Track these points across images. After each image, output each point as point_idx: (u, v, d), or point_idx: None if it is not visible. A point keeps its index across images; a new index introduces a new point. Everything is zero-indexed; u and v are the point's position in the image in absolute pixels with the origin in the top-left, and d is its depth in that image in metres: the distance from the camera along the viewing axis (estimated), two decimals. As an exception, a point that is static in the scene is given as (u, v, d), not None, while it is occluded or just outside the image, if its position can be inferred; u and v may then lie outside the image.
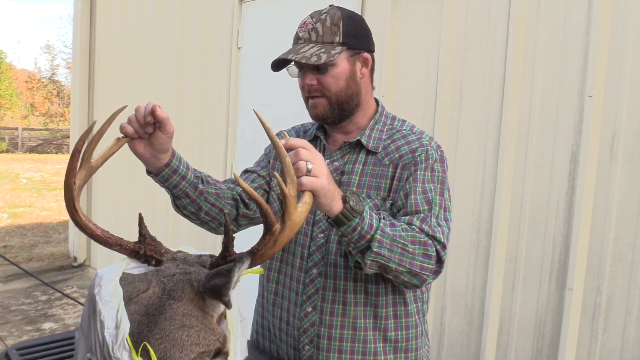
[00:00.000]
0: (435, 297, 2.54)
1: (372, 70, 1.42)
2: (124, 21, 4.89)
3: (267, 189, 1.48)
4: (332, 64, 1.32)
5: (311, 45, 1.32)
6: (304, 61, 1.28)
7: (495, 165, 2.34)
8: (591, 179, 2.07)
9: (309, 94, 1.37)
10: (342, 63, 1.34)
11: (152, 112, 1.15)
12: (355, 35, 1.36)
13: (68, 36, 31.06)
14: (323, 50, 1.30)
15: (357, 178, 1.37)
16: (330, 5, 1.38)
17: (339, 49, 1.32)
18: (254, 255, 0.99)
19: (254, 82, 3.58)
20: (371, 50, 1.41)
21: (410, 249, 1.19)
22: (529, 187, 2.25)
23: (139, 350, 0.85)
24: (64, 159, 16.56)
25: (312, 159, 1.08)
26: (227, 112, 3.73)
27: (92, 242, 5.38)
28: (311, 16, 1.36)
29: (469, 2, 2.44)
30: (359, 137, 1.39)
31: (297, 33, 1.37)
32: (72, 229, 5.65)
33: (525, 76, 2.26)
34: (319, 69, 1.32)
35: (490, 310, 2.34)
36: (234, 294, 0.90)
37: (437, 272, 1.25)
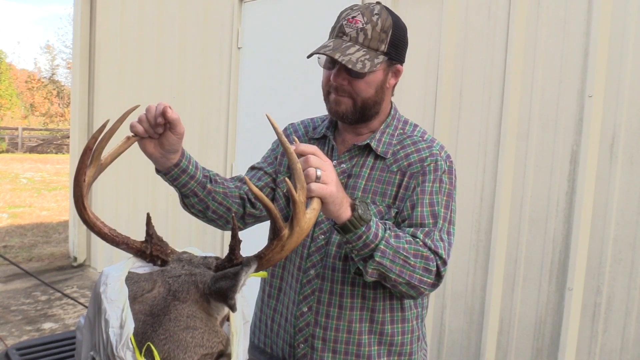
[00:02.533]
0: (435, 297, 2.55)
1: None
2: (124, 21, 4.89)
3: (273, 187, 1.48)
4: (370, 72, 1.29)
5: (357, 47, 1.27)
6: (349, 66, 1.25)
7: (495, 165, 2.35)
8: (591, 179, 2.07)
9: (335, 92, 1.34)
10: (378, 72, 1.32)
11: (163, 113, 1.15)
12: (398, 47, 1.34)
13: (68, 36, 31.05)
14: (367, 57, 1.27)
15: (364, 182, 1.36)
16: (378, 4, 1.34)
17: (381, 58, 1.30)
18: (261, 260, 0.99)
19: (254, 82, 3.58)
20: (403, 62, 1.39)
21: (412, 262, 1.19)
22: (529, 187, 2.25)
23: (143, 351, 0.85)
24: (64, 159, 16.55)
25: (322, 166, 1.08)
26: (227, 112, 3.74)
27: (92, 242, 5.41)
28: (362, 13, 1.29)
29: (469, 2, 2.44)
30: (368, 141, 1.38)
31: (342, 26, 1.30)
32: (72, 229, 5.64)
33: (525, 76, 2.26)
34: (355, 73, 1.28)
35: (490, 310, 2.34)
36: (238, 298, 0.90)
37: (435, 286, 1.25)
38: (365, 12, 1.30)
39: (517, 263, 2.28)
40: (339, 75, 1.31)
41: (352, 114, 1.35)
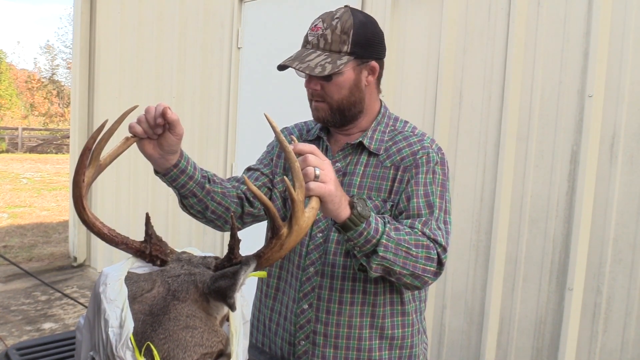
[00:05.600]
0: (435, 297, 2.55)
1: (379, 76, 1.43)
2: (124, 21, 4.89)
3: (270, 187, 1.49)
4: (336, 73, 1.32)
5: (318, 52, 1.32)
6: (307, 72, 1.29)
7: (495, 165, 2.35)
8: (591, 179, 2.07)
9: (312, 97, 1.39)
10: (348, 72, 1.34)
11: (163, 114, 1.15)
12: (364, 45, 1.35)
13: (68, 36, 31.09)
14: (329, 60, 1.30)
15: (359, 179, 1.38)
16: (345, 6, 1.38)
17: (345, 58, 1.32)
18: (260, 259, 0.99)
19: (254, 82, 3.58)
20: (380, 57, 1.41)
21: (414, 253, 1.21)
22: (529, 187, 2.25)
23: (142, 350, 0.85)
24: (64, 159, 16.56)
25: (321, 165, 1.09)
26: (227, 112, 3.74)
27: (92, 242, 5.41)
28: (323, 19, 1.35)
29: (469, 2, 2.44)
30: (361, 139, 1.41)
31: (306, 35, 1.36)
32: (72, 229, 5.64)
33: (525, 76, 2.26)
34: (323, 77, 1.32)
35: (490, 310, 2.34)
36: (238, 297, 0.90)
37: (437, 274, 1.27)
38: (326, 18, 1.35)
39: (517, 263, 2.28)
40: (311, 82, 1.36)
41: (331, 117, 1.38)
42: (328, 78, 1.32)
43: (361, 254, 1.20)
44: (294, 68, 1.31)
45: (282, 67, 1.37)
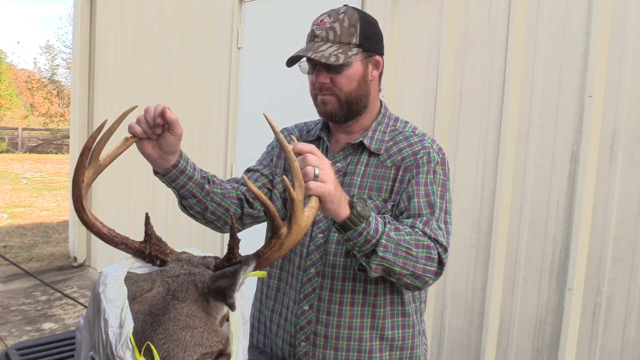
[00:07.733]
0: (435, 297, 2.55)
1: (381, 73, 1.44)
2: (124, 21, 4.89)
3: (270, 188, 1.49)
4: (347, 65, 1.33)
5: (329, 44, 1.33)
6: (323, 60, 1.29)
7: (495, 165, 2.35)
8: (591, 179, 2.07)
9: (319, 92, 1.38)
10: (356, 64, 1.35)
11: (162, 114, 1.16)
12: (370, 38, 1.38)
13: (68, 36, 31.12)
14: (340, 50, 1.32)
15: (359, 179, 1.38)
16: (345, 5, 1.39)
17: (355, 50, 1.34)
18: (260, 258, 0.99)
19: (254, 82, 3.58)
20: (382, 53, 1.43)
21: (414, 253, 1.20)
22: (529, 187, 2.25)
23: (142, 350, 0.85)
24: (63, 159, 16.56)
25: (320, 165, 1.09)
26: (227, 112, 3.74)
27: (92, 242, 5.41)
28: (328, 15, 1.36)
29: (469, 2, 2.44)
30: (361, 139, 1.41)
31: (313, 30, 1.37)
32: (72, 229, 5.64)
33: (525, 76, 2.26)
34: (334, 69, 1.33)
35: (490, 310, 2.34)
36: (237, 297, 0.90)
37: (438, 274, 1.27)
38: (331, 13, 1.37)
39: (517, 263, 2.28)
40: (320, 75, 1.35)
41: (339, 110, 1.38)
42: (338, 70, 1.33)
43: (361, 254, 1.20)
44: (308, 57, 1.31)
45: (291, 62, 1.38)
